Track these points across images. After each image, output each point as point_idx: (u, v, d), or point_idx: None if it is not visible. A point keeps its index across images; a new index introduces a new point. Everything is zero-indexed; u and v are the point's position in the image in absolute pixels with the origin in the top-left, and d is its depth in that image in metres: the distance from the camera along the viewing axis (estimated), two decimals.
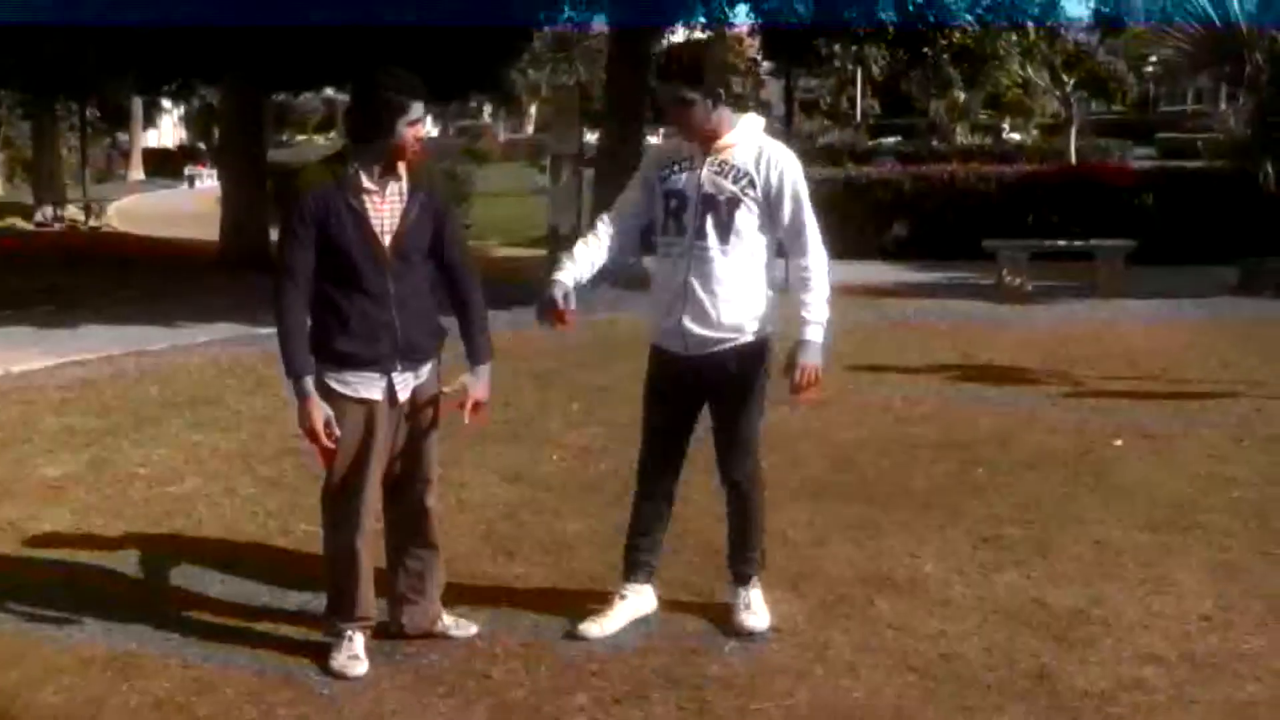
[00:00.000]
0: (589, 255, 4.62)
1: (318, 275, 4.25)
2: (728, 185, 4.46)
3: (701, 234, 4.48)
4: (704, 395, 4.67)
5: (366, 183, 4.25)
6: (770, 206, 4.48)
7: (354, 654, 4.39)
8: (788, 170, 4.49)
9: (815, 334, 4.49)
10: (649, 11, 16.24)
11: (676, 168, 4.56)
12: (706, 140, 4.50)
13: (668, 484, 4.79)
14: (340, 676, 4.33)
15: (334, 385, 4.32)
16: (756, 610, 4.72)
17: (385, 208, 4.29)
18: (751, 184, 4.46)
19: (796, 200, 4.49)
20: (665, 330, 4.59)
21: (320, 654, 4.44)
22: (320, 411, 4.25)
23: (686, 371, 4.58)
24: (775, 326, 4.61)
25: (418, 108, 4.28)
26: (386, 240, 4.28)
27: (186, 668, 4.41)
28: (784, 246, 4.55)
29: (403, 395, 4.42)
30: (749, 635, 4.63)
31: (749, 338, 4.55)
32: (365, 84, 4.30)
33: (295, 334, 4.24)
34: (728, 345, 4.52)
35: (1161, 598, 5.01)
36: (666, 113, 4.57)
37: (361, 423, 4.34)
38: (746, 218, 4.47)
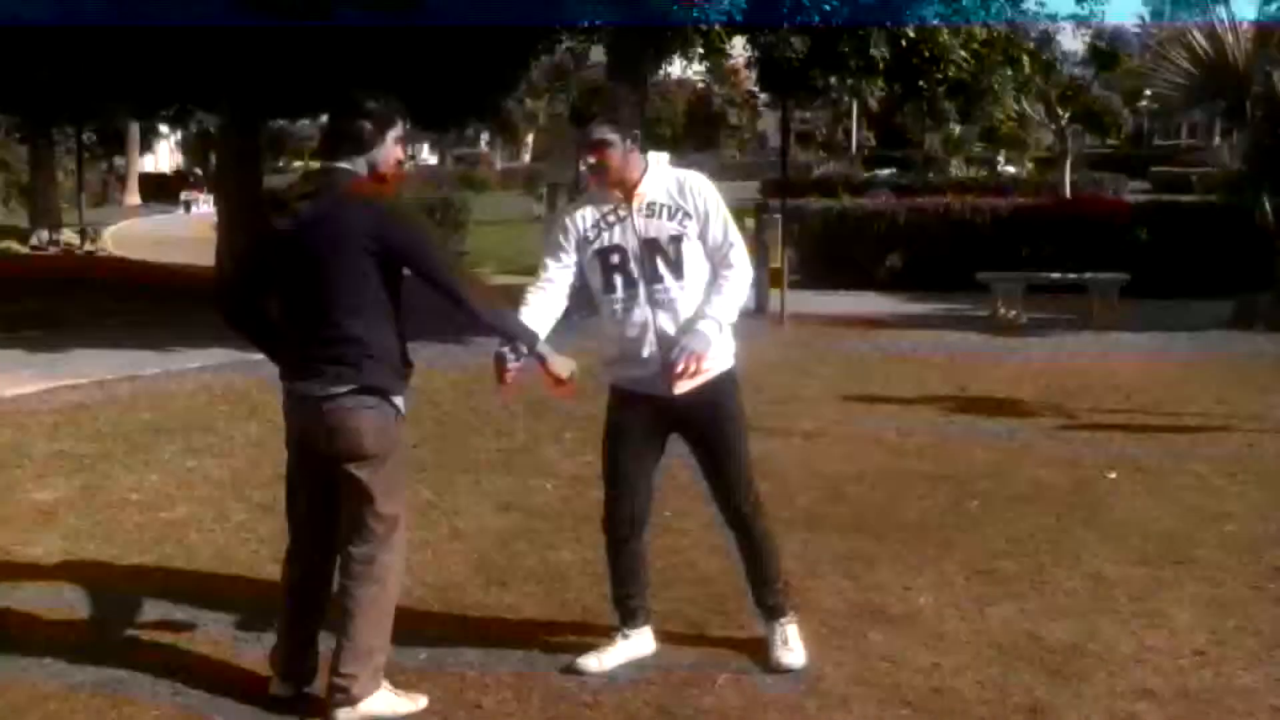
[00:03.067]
0: (537, 317, 4.52)
1: (392, 298, 4.17)
2: (667, 224, 4.46)
3: (656, 278, 4.46)
4: (679, 434, 4.64)
5: None
6: (702, 231, 4.48)
7: (396, 691, 4.28)
8: (709, 194, 4.51)
9: (709, 328, 4.41)
10: (647, 42, 16.30)
11: (604, 224, 4.52)
12: (625, 187, 4.49)
13: (640, 529, 4.74)
14: (383, 717, 4.20)
15: (403, 409, 4.25)
16: (793, 647, 4.66)
17: None
18: (686, 215, 4.47)
19: (721, 218, 4.48)
20: (642, 378, 4.54)
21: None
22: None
23: (667, 412, 4.54)
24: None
25: (402, 124, 4.27)
26: None
27: (176, 696, 4.38)
28: (712, 265, 4.51)
29: None
30: (786, 672, 4.57)
31: (719, 366, 4.53)
32: (348, 99, 4.26)
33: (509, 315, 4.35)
34: (709, 378, 4.49)
35: (1155, 632, 4.99)
36: (582, 156, 4.53)
37: None
38: (692, 250, 4.47)
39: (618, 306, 4.53)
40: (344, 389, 4.10)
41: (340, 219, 4.08)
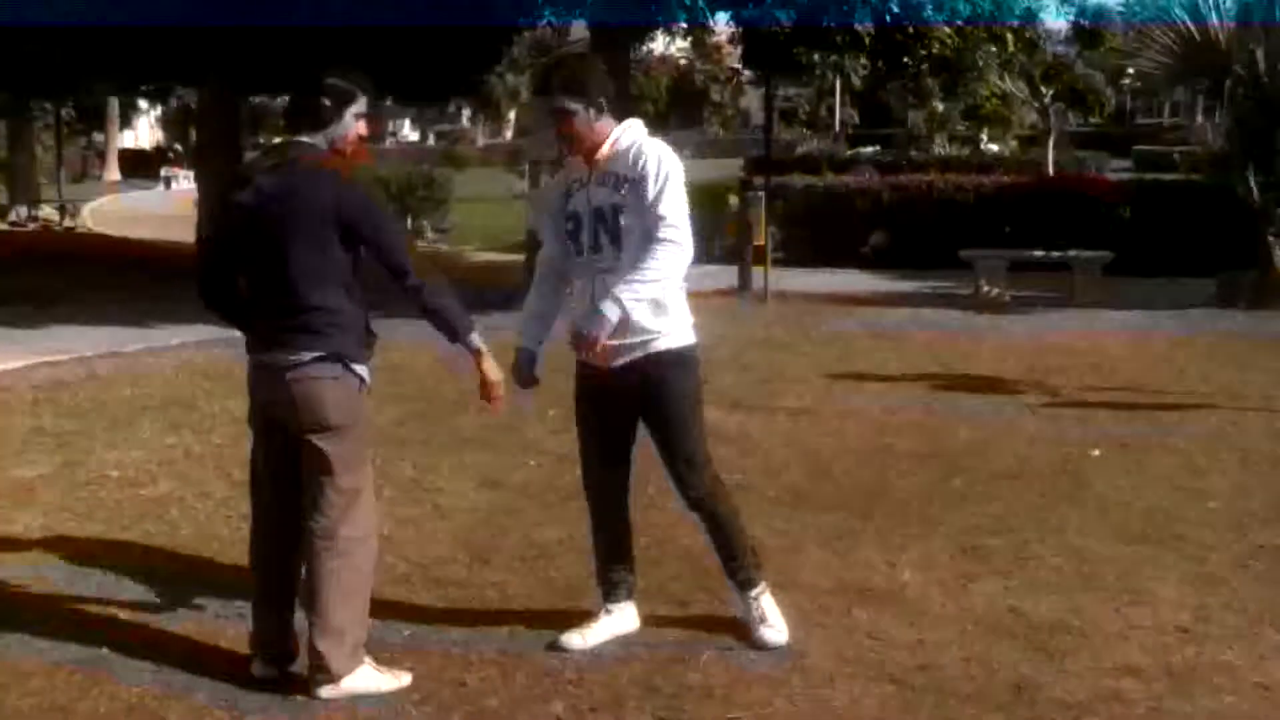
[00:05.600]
0: (542, 311, 4.63)
1: (354, 269, 4.16)
2: (613, 194, 4.40)
3: (596, 248, 4.43)
4: (635, 410, 4.57)
5: None
6: (639, 200, 4.37)
7: (379, 667, 4.27)
8: (656, 161, 4.36)
9: (609, 309, 4.27)
10: (629, 16, 16.23)
11: (570, 190, 4.53)
12: (591, 154, 4.46)
13: (619, 505, 4.73)
14: (367, 694, 4.18)
15: (368, 380, 4.23)
16: (773, 623, 4.63)
17: None
18: (630, 183, 4.38)
19: (660, 186, 4.33)
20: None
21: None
22: None
23: (612, 386, 4.48)
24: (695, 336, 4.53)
25: (364, 100, 4.24)
26: None
27: (158, 672, 4.35)
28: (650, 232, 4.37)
29: None
30: (769, 649, 4.56)
31: (667, 343, 4.44)
32: (309, 75, 4.23)
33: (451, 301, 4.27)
34: (645, 352, 4.43)
35: (1139, 609, 5.00)
36: (551, 126, 4.51)
37: None
38: (634, 221, 4.37)
39: (571, 273, 4.56)
40: (309, 357, 4.10)
41: (300, 191, 4.08)
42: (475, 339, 4.26)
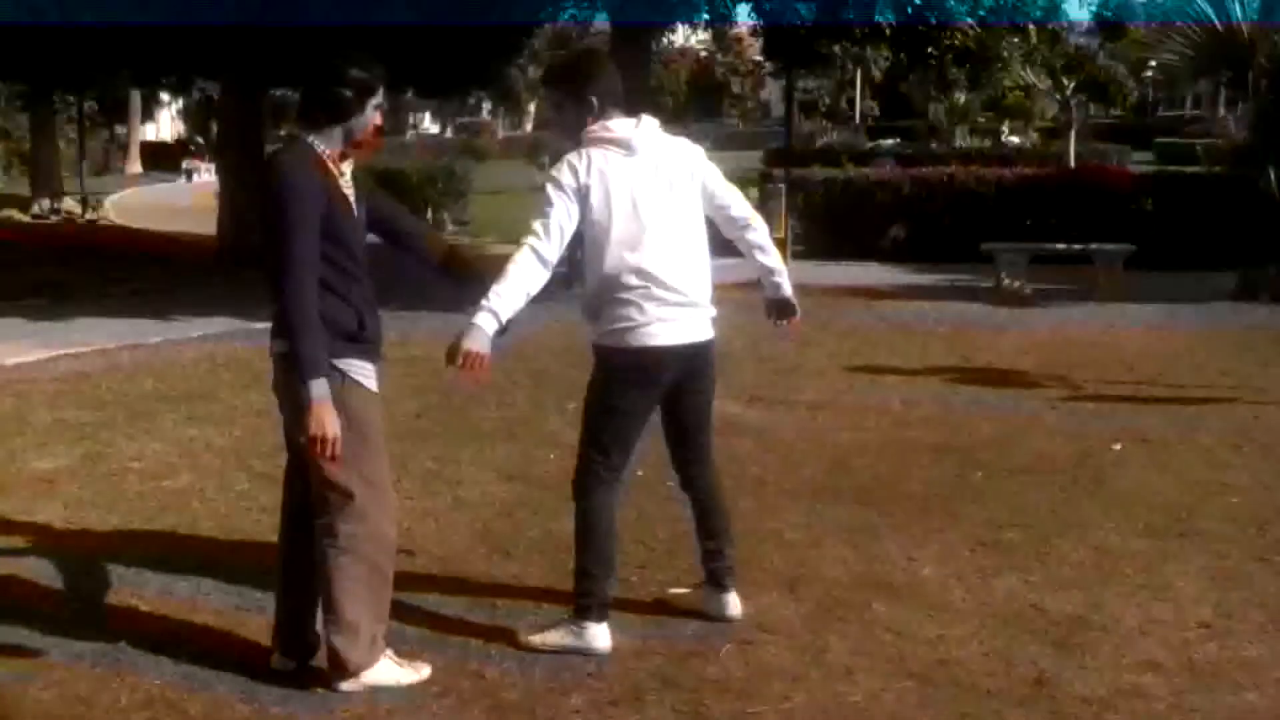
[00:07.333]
0: None
1: (331, 262, 4.05)
2: None
3: None
4: None
5: (337, 169, 4.14)
6: None
7: (399, 660, 4.28)
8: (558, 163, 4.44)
9: (481, 318, 4.29)
10: (651, 10, 16.22)
11: None
12: None
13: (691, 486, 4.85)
14: (387, 687, 4.18)
15: (362, 380, 4.13)
16: (544, 638, 4.54)
17: (349, 193, 4.18)
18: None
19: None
20: None
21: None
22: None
23: None
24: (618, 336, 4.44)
25: (382, 91, 4.20)
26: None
27: (179, 665, 4.37)
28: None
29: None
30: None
31: (596, 340, 4.51)
32: (329, 66, 4.14)
33: (319, 332, 3.95)
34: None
35: (1160, 604, 4.98)
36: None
37: (379, 419, 4.23)
38: None
39: None
40: (278, 349, 4.07)
41: (264, 189, 4.07)
42: (318, 389, 3.92)
